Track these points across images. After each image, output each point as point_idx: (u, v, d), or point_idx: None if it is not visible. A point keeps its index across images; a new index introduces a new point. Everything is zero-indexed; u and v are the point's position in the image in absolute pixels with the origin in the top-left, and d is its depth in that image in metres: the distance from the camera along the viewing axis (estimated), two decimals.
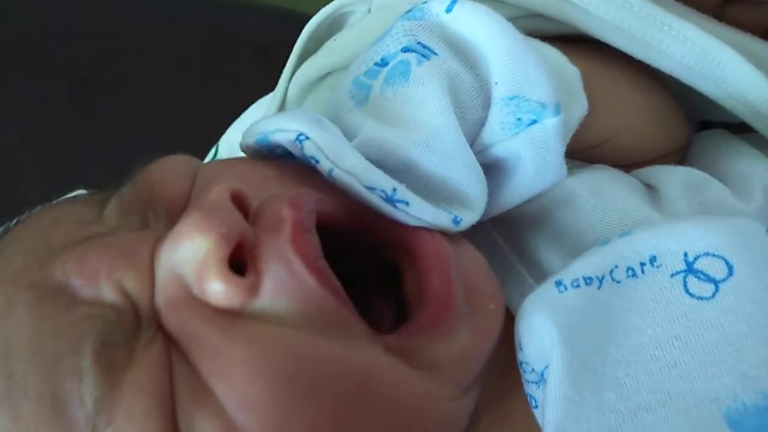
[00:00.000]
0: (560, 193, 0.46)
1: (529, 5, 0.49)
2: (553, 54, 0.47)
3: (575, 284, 0.40)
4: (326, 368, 0.34)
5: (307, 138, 0.39)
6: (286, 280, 0.35)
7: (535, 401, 0.40)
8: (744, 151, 0.52)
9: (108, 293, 0.37)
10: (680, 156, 0.55)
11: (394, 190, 0.39)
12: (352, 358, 0.35)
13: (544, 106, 0.41)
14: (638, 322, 0.38)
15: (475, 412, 0.43)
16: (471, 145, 0.42)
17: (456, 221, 0.40)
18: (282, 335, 0.34)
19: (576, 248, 0.44)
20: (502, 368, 0.42)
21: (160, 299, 0.36)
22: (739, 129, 0.55)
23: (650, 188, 0.49)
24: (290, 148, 0.40)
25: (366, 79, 0.44)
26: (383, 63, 0.44)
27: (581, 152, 0.49)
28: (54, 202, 0.44)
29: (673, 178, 0.48)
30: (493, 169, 0.44)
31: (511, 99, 0.42)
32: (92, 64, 0.90)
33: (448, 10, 0.44)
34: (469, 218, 0.41)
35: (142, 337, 0.36)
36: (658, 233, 0.40)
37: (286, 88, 0.56)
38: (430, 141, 0.41)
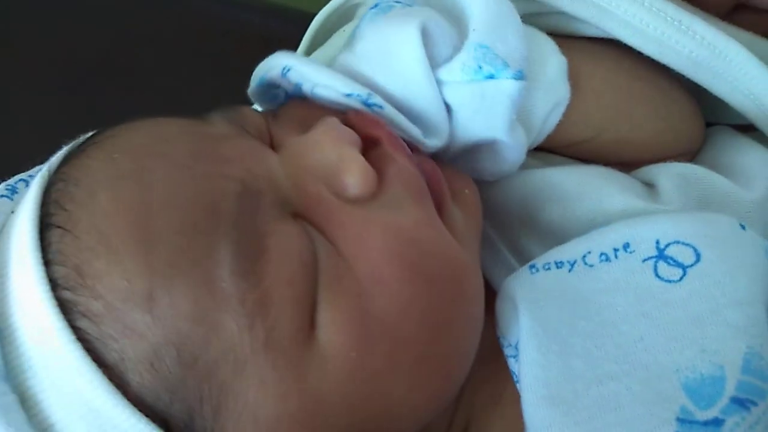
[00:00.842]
0: (547, 188, 0.48)
1: None
2: (544, 42, 0.48)
3: (546, 267, 0.43)
4: (439, 257, 0.41)
5: (290, 69, 0.45)
6: (397, 170, 0.42)
7: (516, 376, 0.42)
8: (748, 147, 0.52)
9: (236, 172, 0.39)
10: (689, 159, 0.54)
11: (369, 94, 0.43)
12: (453, 249, 0.41)
13: (506, 65, 0.43)
14: (609, 300, 0.41)
15: (469, 394, 0.45)
16: None
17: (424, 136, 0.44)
18: (407, 223, 0.41)
19: (560, 243, 0.45)
20: (493, 351, 0.44)
21: (302, 196, 0.41)
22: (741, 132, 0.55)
23: (649, 186, 0.49)
24: (280, 83, 0.47)
25: (359, 22, 0.48)
26: (375, 6, 0.47)
27: (576, 145, 0.50)
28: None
29: (668, 172, 0.49)
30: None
31: (481, 47, 0.44)
32: (101, 55, 0.91)
33: None
34: (432, 142, 0.45)
35: (271, 213, 0.39)
36: (632, 223, 0.43)
37: None
38: (396, 70, 0.44)
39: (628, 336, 0.40)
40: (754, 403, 0.37)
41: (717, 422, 0.36)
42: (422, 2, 0.47)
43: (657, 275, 0.41)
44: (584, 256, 0.43)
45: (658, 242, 0.42)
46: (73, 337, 0.36)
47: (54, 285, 0.37)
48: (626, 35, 0.49)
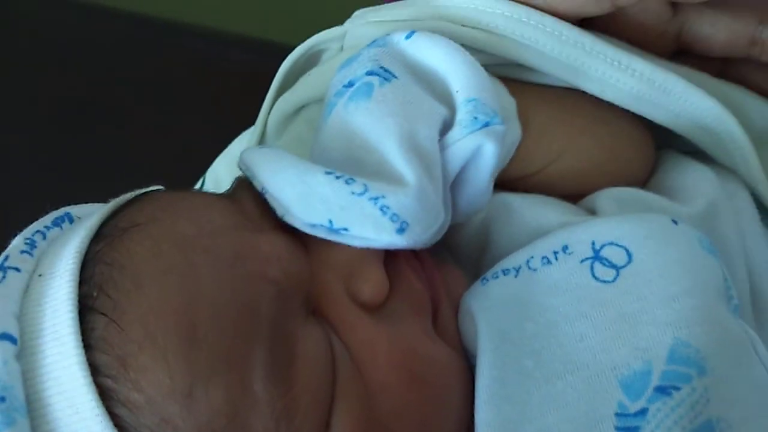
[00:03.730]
0: (495, 209, 0.50)
1: (487, 48, 0.52)
2: (496, 84, 0.51)
3: (495, 276, 0.46)
4: (433, 366, 0.44)
5: (265, 192, 0.46)
6: (405, 287, 0.46)
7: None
8: (691, 168, 0.55)
9: (275, 273, 0.42)
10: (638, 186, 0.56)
11: (330, 221, 0.43)
12: (445, 357, 0.45)
13: (495, 113, 0.46)
14: (552, 302, 0.43)
15: None
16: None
17: (400, 229, 0.43)
18: (407, 336, 0.44)
19: None
20: None
21: (322, 292, 0.44)
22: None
23: (590, 213, 0.52)
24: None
25: (334, 99, 0.49)
26: (350, 85, 0.48)
27: (522, 180, 0.53)
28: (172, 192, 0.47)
29: (606, 196, 0.51)
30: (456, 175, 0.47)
31: (470, 101, 0.46)
32: (86, 92, 0.94)
33: (408, 37, 0.49)
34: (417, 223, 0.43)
35: (299, 313, 0.42)
36: (570, 228, 0.45)
37: (266, 122, 0.59)
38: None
39: (570, 336, 0.42)
40: (677, 388, 0.40)
41: (643, 411, 0.39)
42: (403, 72, 0.48)
43: (593, 276, 0.43)
44: (528, 261, 0.45)
45: (593, 243, 0.44)
46: (110, 424, 0.38)
47: (95, 370, 0.38)
48: (569, 78, 0.53)
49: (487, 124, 0.45)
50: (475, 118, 0.45)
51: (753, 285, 0.52)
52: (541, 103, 0.53)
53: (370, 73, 0.47)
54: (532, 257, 0.46)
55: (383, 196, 0.42)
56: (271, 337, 0.41)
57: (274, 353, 0.40)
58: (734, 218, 0.53)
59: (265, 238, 0.44)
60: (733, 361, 0.42)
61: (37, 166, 0.90)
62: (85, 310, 0.40)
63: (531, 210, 0.50)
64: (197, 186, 0.67)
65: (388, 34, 0.50)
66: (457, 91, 0.47)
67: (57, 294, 0.40)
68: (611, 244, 0.44)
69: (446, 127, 0.47)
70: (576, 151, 0.53)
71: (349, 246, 0.43)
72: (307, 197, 0.43)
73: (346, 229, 0.43)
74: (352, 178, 0.43)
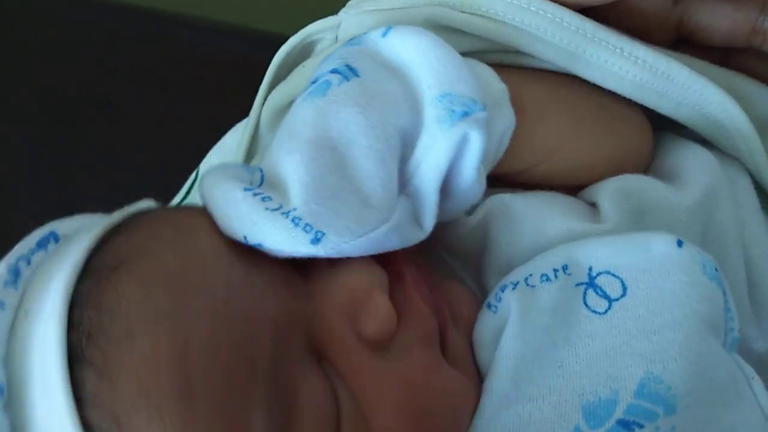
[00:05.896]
0: (496, 211, 0.49)
1: (486, 33, 0.51)
2: (484, 71, 0.49)
3: (498, 299, 0.46)
4: (444, 397, 0.43)
5: (246, 237, 0.43)
6: (412, 313, 0.44)
7: None
8: (689, 151, 0.54)
9: (272, 310, 0.41)
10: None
11: (246, 237, 0.42)
12: (456, 385, 0.44)
13: (474, 101, 0.44)
14: (546, 321, 0.43)
15: None
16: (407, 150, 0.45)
17: (315, 239, 0.41)
18: (416, 370, 0.43)
19: (509, 268, 0.47)
20: None
21: (325, 332, 0.43)
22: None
23: (592, 206, 0.51)
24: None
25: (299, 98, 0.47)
26: (314, 81, 0.47)
27: (523, 173, 0.51)
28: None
29: (606, 188, 0.50)
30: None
31: (444, 96, 0.44)
32: (76, 84, 0.93)
33: (384, 35, 0.47)
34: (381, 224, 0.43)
35: (300, 358, 0.42)
36: (571, 246, 0.45)
37: (259, 114, 0.58)
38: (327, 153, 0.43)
39: (551, 361, 0.42)
40: (640, 425, 0.39)
41: None
42: (369, 71, 0.46)
43: (585, 303, 0.43)
44: (526, 279, 0.45)
45: (590, 269, 0.44)
46: None
47: (87, 427, 0.37)
48: (570, 65, 0.51)
49: (466, 114, 0.43)
50: (453, 111, 0.43)
51: (750, 275, 0.51)
52: (538, 89, 0.52)
53: (333, 71, 0.46)
54: (530, 275, 0.45)
55: (295, 209, 0.41)
56: (269, 389, 0.39)
57: (273, 407, 0.39)
58: (734, 206, 0.52)
59: (258, 270, 0.42)
60: (716, 400, 0.41)
61: (27, 160, 0.89)
62: (75, 360, 0.38)
63: (532, 212, 0.49)
64: (191, 179, 0.66)
65: (365, 33, 0.48)
66: (429, 87, 0.45)
67: (45, 338, 0.38)
68: (608, 273, 0.44)
69: (407, 131, 0.45)
70: (580, 141, 0.51)
71: (351, 274, 0.43)
72: (226, 213, 0.43)
73: (260, 245, 0.42)
74: (268, 196, 0.42)
